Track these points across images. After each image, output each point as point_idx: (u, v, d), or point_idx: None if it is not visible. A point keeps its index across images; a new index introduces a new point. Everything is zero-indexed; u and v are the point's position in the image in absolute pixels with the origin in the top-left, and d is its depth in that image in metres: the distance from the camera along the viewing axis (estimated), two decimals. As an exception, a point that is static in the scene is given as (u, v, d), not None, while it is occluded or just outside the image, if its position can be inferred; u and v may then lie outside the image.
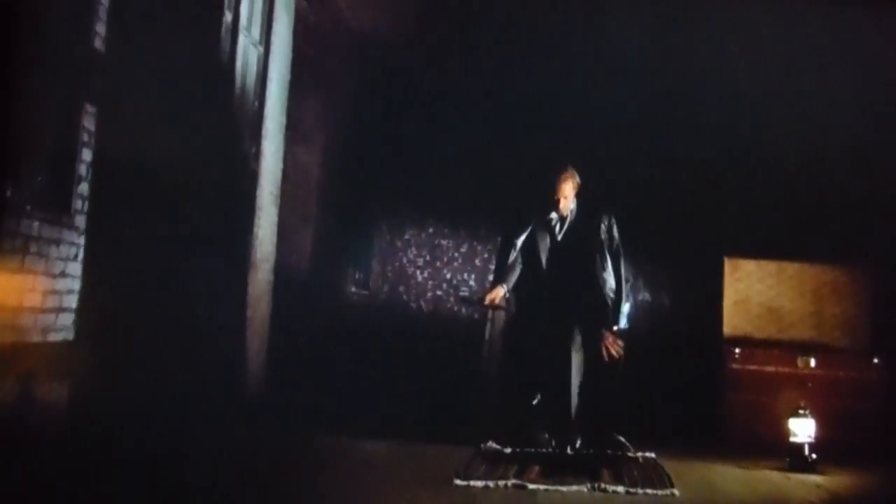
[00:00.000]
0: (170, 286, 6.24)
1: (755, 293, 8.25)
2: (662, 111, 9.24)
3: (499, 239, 7.54)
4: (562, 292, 6.85)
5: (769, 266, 8.30)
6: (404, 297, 10.61)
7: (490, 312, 7.31)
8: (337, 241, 9.69)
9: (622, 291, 6.90)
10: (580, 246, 6.90)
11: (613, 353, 6.75)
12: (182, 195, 6.33)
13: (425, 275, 10.63)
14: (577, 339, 6.77)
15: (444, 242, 10.65)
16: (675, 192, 9.23)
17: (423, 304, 10.59)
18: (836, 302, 8.18)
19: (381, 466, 6.06)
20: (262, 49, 8.05)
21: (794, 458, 6.68)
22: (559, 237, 6.95)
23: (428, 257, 10.64)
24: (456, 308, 10.50)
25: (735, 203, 9.01)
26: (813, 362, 7.79)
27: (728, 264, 8.33)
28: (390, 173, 10.26)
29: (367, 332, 9.80)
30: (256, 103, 8.01)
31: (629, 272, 7.09)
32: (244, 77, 7.74)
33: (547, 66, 9.61)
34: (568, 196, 6.88)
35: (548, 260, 6.93)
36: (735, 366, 7.92)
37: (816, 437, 6.72)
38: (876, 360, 7.78)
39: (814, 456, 6.65)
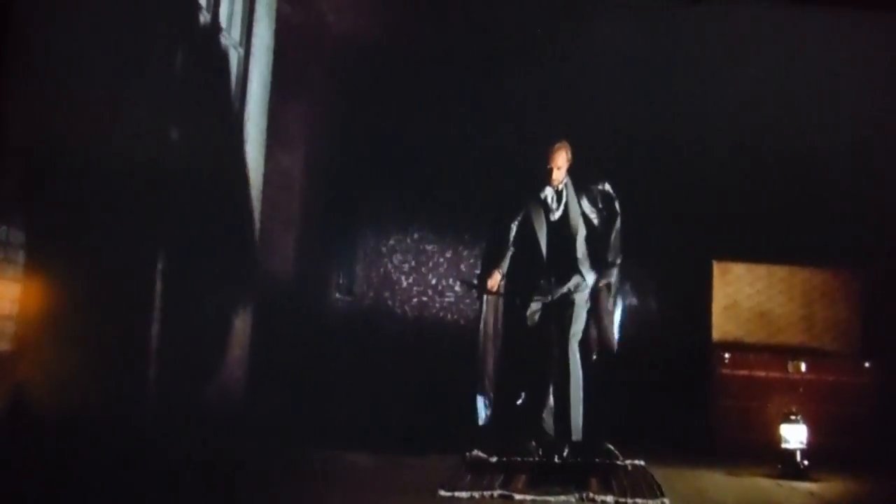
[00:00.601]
0: (148, 293, 6.08)
1: (745, 297, 8.13)
2: (649, 113, 9.09)
3: (491, 222, 7.35)
4: (560, 273, 6.76)
5: (759, 269, 8.18)
6: (389, 302, 10.48)
7: (485, 297, 7.08)
8: (320, 247, 9.54)
9: (609, 250, 6.83)
10: (577, 221, 6.79)
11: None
12: (159, 200, 6.18)
13: (410, 280, 10.51)
14: (574, 334, 6.65)
15: (429, 248, 10.54)
16: (662, 194, 9.08)
17: (408, 309, 10.47)
18: (826, 305, 8.06)
19: (364, 477, 5.92)
20: (242, 51, 7.91)
21: (785, 464, 6.58)
22: (555, 215, 6.83)
23: (413, 263, 10.53)
24: (442, 314, 10.39)
25: (724, 205, 8.85)
26: (804, 367, 7.66)
27: (717, 268, 8.21)
28: (374, 178, 10.11)
29: (351, 338, 9.70)
30: (237, 106, 7.86)
31: (621, 236, 6.94)
32: (224, 79, 7.59)
33: (534, 70, 9.51)
34: (561, 167, 6.78)
35: (545, 239, 6.78)
36: (725, 371, 7.78)
37: (808, 443, 6.61)
38: (867, 364, 7.66)
39: (805, 462, 6.55)
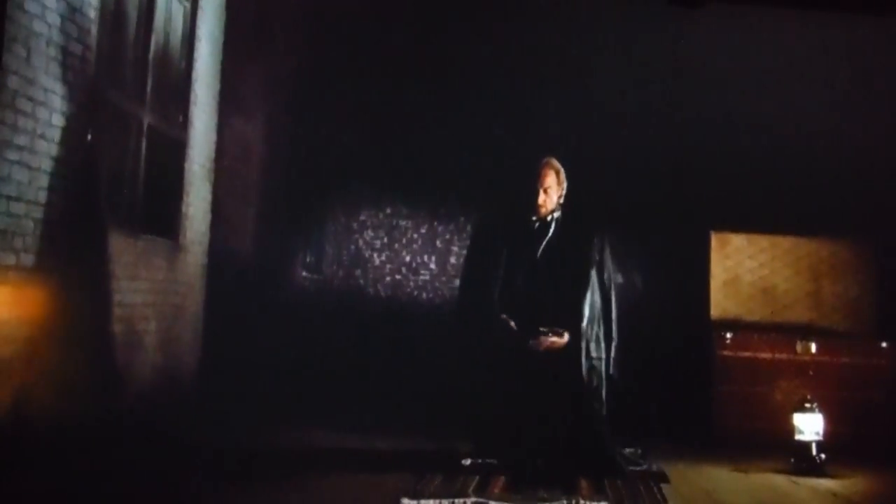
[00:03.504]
0: (78, 272, 5.34)
1: (746, 271, 7.51)
2: (644, 80, 8.78)
3: (471, 256, 6.19)
4: (539, 315, 5.54)
5: (761, 241, 7.56)
6: (361, 281, 9.93)
7: None
8: (284, 222, 8.82)
9: (611, 332, 5.72)
10: (565, 262, 5.66)
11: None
12: (86, 168, 5.44)
13: (383, 258, 9.97)
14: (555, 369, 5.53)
15: (402, 223, 10.05)
16: (656, 159, 8.48)
17: (380, 288, 9.90)
18: (836, 280, 7.45)
19: (320, 480, 5.14)
20: (188, 5, 7.13)
21: (800, 458, 5.89)
22: (540, 248, 5.71)
23: (385, 239, 10.03)
24: (416, 293, 9.83)
25: (722, 171, 8.24)
26: (814, 347, 6.96)
27: (715, 239, 7.58)
28: (343, 147, 9.63)
29: (319, 319, 9.24)
30: (183, 64, 7.09)
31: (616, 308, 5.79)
32: (166, 35, 6.80)
33: (516, 29, 8.98)
34: (549, 188, 5.68)
35: (525, 276, 5.65)
36: (726, 353, 7.12)
37: (823, 434, 5.90)
38: (884, 345, 6.95)
39: (822, 456, 5.83)
